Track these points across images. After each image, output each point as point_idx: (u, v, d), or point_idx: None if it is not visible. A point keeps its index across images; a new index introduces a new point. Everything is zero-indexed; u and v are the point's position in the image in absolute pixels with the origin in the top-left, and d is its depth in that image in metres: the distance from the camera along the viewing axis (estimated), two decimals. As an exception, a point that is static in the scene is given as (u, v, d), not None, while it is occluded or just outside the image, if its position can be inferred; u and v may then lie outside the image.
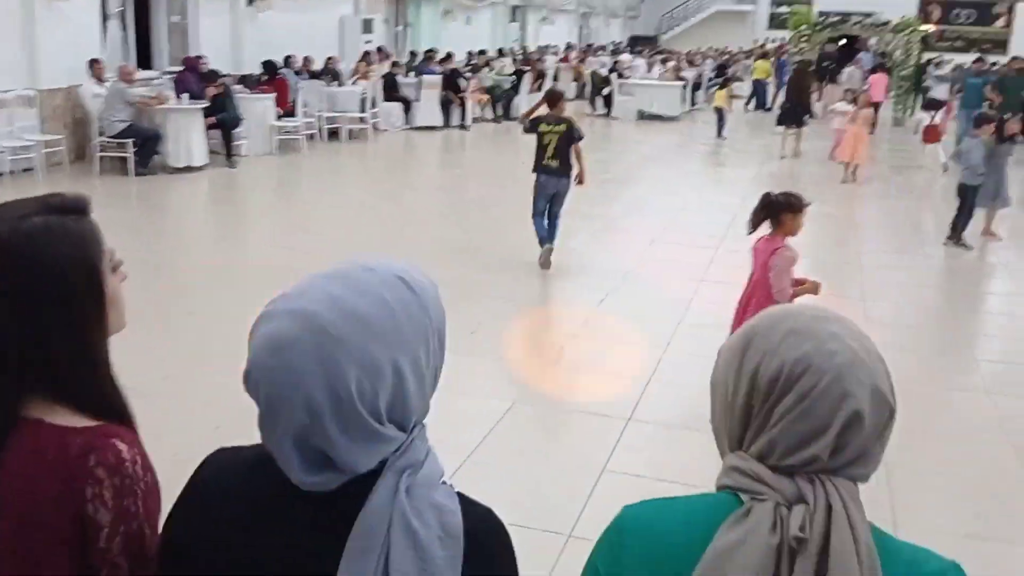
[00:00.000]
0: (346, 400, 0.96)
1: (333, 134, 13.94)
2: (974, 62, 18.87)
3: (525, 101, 18.89)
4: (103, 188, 9.92)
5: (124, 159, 10.35)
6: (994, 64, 19.62)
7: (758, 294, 4.41)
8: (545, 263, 7.30)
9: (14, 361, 1.13)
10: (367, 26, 16.88)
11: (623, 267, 7.65)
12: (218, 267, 7.43)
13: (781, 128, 15.05)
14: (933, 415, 4.80)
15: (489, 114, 17.90)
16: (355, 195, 10.83)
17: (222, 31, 13.51)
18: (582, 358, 5.59)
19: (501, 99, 18.22)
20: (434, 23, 20.24)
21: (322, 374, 0.96)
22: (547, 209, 7.38)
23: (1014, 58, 18.90)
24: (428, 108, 16.00)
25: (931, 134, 13.99)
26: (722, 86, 17.84)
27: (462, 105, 16.55)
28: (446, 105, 16.34)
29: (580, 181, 7.56)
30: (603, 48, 28.82)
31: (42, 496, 1.10)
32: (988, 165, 8.72)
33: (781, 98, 18.67)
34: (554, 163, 7.30)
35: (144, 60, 12.51)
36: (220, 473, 1.09)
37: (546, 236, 7.36)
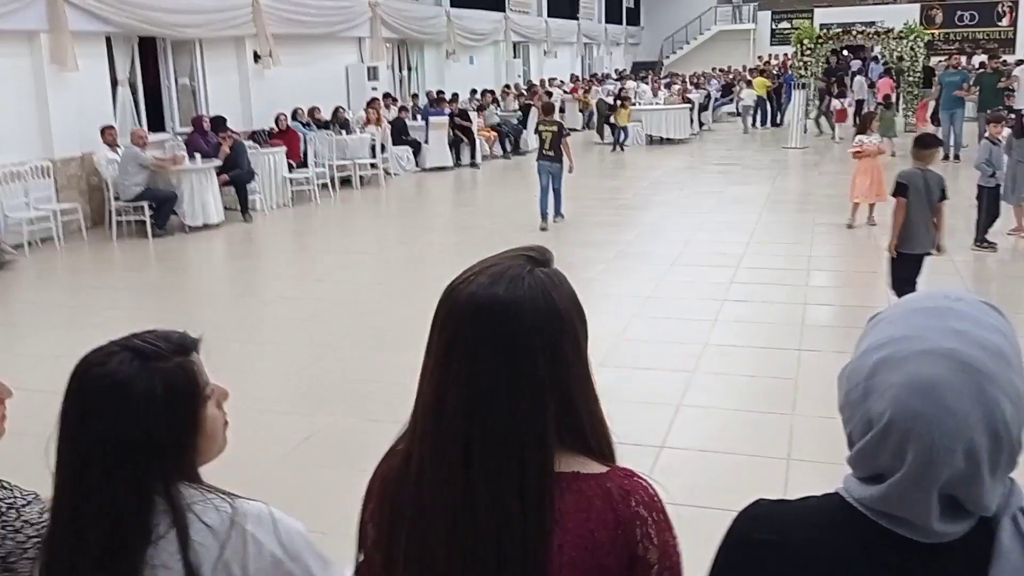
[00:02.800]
0: (1004, 437, 0.92)
1: (345, 182, 14.04)
2: (989, 59, 18.72)
3: (533, 135, 19.00)
4: (122, 252, 10.02)
5: (142, 222, 10.45)
6: (1005, 62, 19.51)
7: None
8: (544, 228, 10.30)
9: (535, 417, 1.11)
10: (372, 73, 17.07)
11: (643, 292, 7.60)
12: (240, 322, 7.44)
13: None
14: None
15: (499, 151, 17.98)
16: (371, 241, 10.86)
17: (230, 89, 13.69)
18: (610, 387, 5.51)
19: (509, 135, 18.31)
20: (439, 65, 20.45)
21: (982, 414, 0.91)
22: (549, 186, 10.41)
23: (990, 57, 18.86)
24: (438, 149, 16.11)
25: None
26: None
27: (471, 144, 16.64)
28: (455, 145, 16.43)
29: (570, 170, 10.60)
30: (608, 76, 29.00)
31: (602, 545, 1.11)
32: (1009, 162, 8.63)
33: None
34: (550, 153, 10.43)
35: (156, 123, 12.68)
36: (780, 529, 1.03)
37: (545, 212, 10.49)
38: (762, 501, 1.09)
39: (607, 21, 33.84)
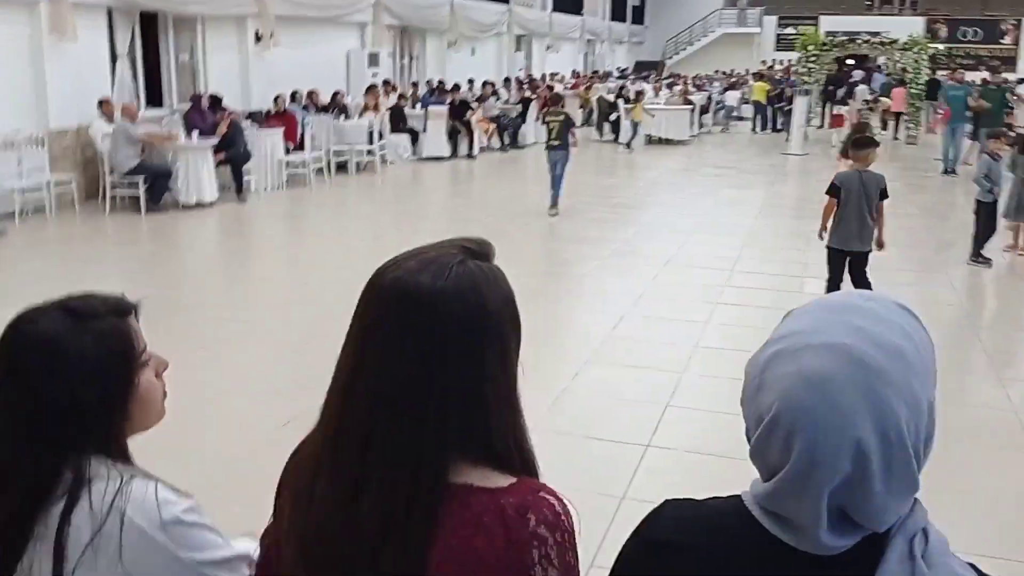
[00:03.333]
0: (896, 443, 0.86)
1: (341, 167, 13.98)
2: (992, 75, 18.74)
3: (532, 129, 18.95)
4: (114, 226, 9.94)
5: (135, 197, 10.38)
6: (1006, 80, 19.53)
7: None
8: (552, 214, 10.98)
9: (439, 422, 1.02)
10: (373, 60, 16.99)
11: (636, 291, 7.57)
12: (230, 302, 7.39)
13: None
14: (958, 434, 4.67)
15: (496, 143, 17.94)
16: (363, 227, 10.81)
17: (230, 68, 13.61)
18: (597, 384, 5.49)
19: (508, 127, 18.26)
20: (439, 55, 20.37)
21: (870, 413, 0.86)
22: (553, 171, 10.94)
23: (992, 73, 18.89)
24: (435, 139, 16.05)
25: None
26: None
27: (469, 134, 16.59)
28: (453, 135, 16.38)
29: (574, 144, 11.30)
30: (609, 74, 28.96)
31: (487, 566, 1.01)
32: (1014, 180, 8.66)
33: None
34: (556, 142, 10.98)
35: (154, 98, 12.59)
36: (680, 530, 0.99)
37: (554, 198, 11.04)
38: (669, 501, 1.04)
39: (612, 19, 33.80)
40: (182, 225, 10.19)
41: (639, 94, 19.68)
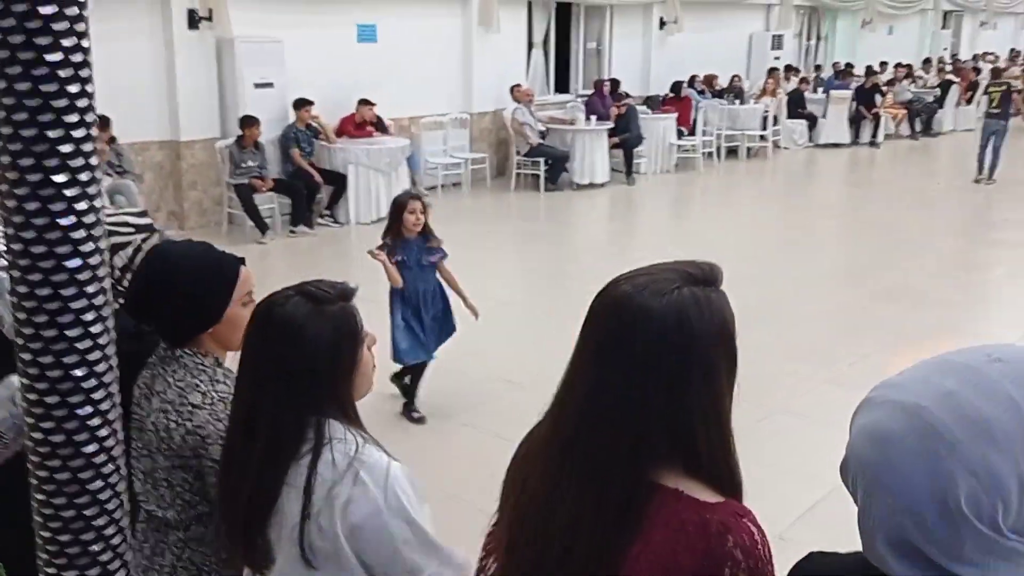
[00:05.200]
0: (955, 511, 0.87)
1: (732, 152, 13.96)
2: None
3: (950, 116, 17.23)
4: (517, 202, 11.02)
5: (537, 176, 11.39)
6: None
7: None
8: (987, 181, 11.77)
9: (639, 431, 1.11)
10: (776, 42, 16.60)
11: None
12: (607, 277, 7.88)
13: None
14: None
15: (905, 130, 16.60)
16: (745, 213, 10.75)
17: (633, 54, 14.22)
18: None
19: (921, 113, 16.79)
20: (851, 35, 19.24)
21: (928, 479, 0.87)
22: (989, 144, 11.72)
23: None
24: (835, 124, 15.31)
25: None
26: None
27: (875, 121, 15.57)
28: (856, 121, 15.49)
29: (1016, 114, 12.24)
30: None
31: (681, 569, 1.09)
32: None
33: None
34: (996, 110, 11.85)
35: (561, 84, 13.62)
36: None
37: (982, 165, 11.81)
38: (814, 554, 1.08)
39: (1068, -12, 29.13)
40: (574, 204, 10.98)
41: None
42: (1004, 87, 12.18)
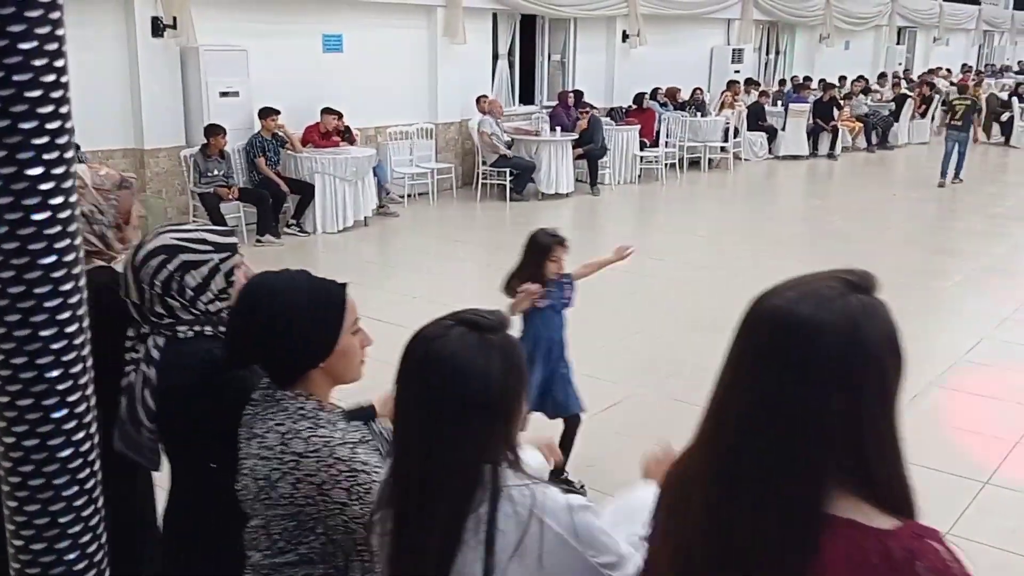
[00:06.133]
0: None
1: (694, 163, 14.10)
2: None
3: (905, 129, 17.57)
4: (483, 211, 11.02)
5: (503, 186, 11.39)
6: None
7: None
8: (942, 185, 12.76)
9: (811, 450, 1.04)
10: (737, 56, 16.82)
11: (1001, 312, 6.86)
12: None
13: None
14: None
15: (862, 143, 16.90)
16: (707, 223, 10.86)
17: (597, 67, 14.30)
18: (939, 410, 5.12)
19: (877, 127, 17.11)
20: (810, 49, 19.56)
21: None
22: (954, 151, 12.71)
23: None
24: (794, 137, 15.54)
25: None
26: None
27: (832, 133, 15.83)
28: (814, 134, 15.74)
29: (975, 141, 13.40)
30: (1007, 69, 25.81)
31: None
32: None
33: None
34: (958, 123, 12.63)
35: (526, 96, 13.66)
36: None
37: (945, 172, 12.70)
38: None
39: (1015, 7, 29.96)
40: (540, 213, 10.98)
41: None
42: (968, 102, 12.98)
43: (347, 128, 9.96)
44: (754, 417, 1.06)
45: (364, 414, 1.88)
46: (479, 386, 1.33)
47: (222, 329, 1.86)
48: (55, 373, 1.31)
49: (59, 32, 1.26)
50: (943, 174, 12.81)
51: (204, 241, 1.91)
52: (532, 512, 1.33)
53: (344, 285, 1.73)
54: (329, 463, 1.60)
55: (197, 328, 1.89)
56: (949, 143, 12.86)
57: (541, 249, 3.99)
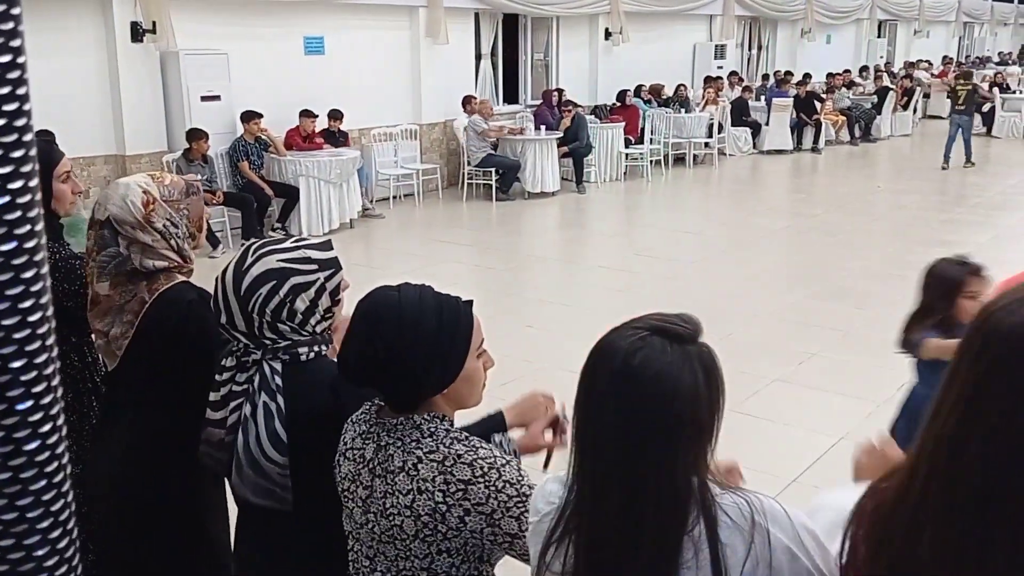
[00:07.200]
0: None
1: (679, 159, 14.11)
2: None
3: (888, 121, 17.63)
4: (469, 212, 10.99)
5: (489, 185, 11.37)
6: None
7: None
8: (945, 168, 13.45)
9: None
10: (720, 51, 16.87)
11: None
12: (559, 286, 7.90)
13: None
14: None
15: (845, 136, 16.97)
16: (695, 220, 10.87)
17: (580, 65, 14.32)
18: (926, 397, 5.12)
19: (860, 120, 17.18)
20: (791, 44, 19.64)
21: None
22: (958, 135, 13.42)
23: None
24: (778, 131, 15.59)
25: None
26: None
27: (816, 127, 15.89)
28: (797, 128, 15.79)
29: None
30: (988, 60, 25.98)
31: None
32: None
33: None
34: (962, 107, 13.61)
35: (510, 95, 13.65)
36: None
37: (948, 156, 13.43)
38: None
39: (995, -2, 30.17)
40: (526, 213, 10.99)
41: None
42: (970, 87, 13.82)
43: (341, 131, 10.07)
44: (1005, 453, 0.96)
45: (493, 424, 1.80)
46: (690, 404, 1.23)
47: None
48: (19, 363, 1.27)
49: (15, 11, 1.23)
50: (946, 158, 13.48)
51: (309, 260, 1.78)
52: (754, 520, 1.23)
53: (470, 303, 1.61)
54: (500, 488, 1.49)
55: (316, 348, 1.80)
56: (953, 128, 13.57)
57: (949, 284, 3.16)
